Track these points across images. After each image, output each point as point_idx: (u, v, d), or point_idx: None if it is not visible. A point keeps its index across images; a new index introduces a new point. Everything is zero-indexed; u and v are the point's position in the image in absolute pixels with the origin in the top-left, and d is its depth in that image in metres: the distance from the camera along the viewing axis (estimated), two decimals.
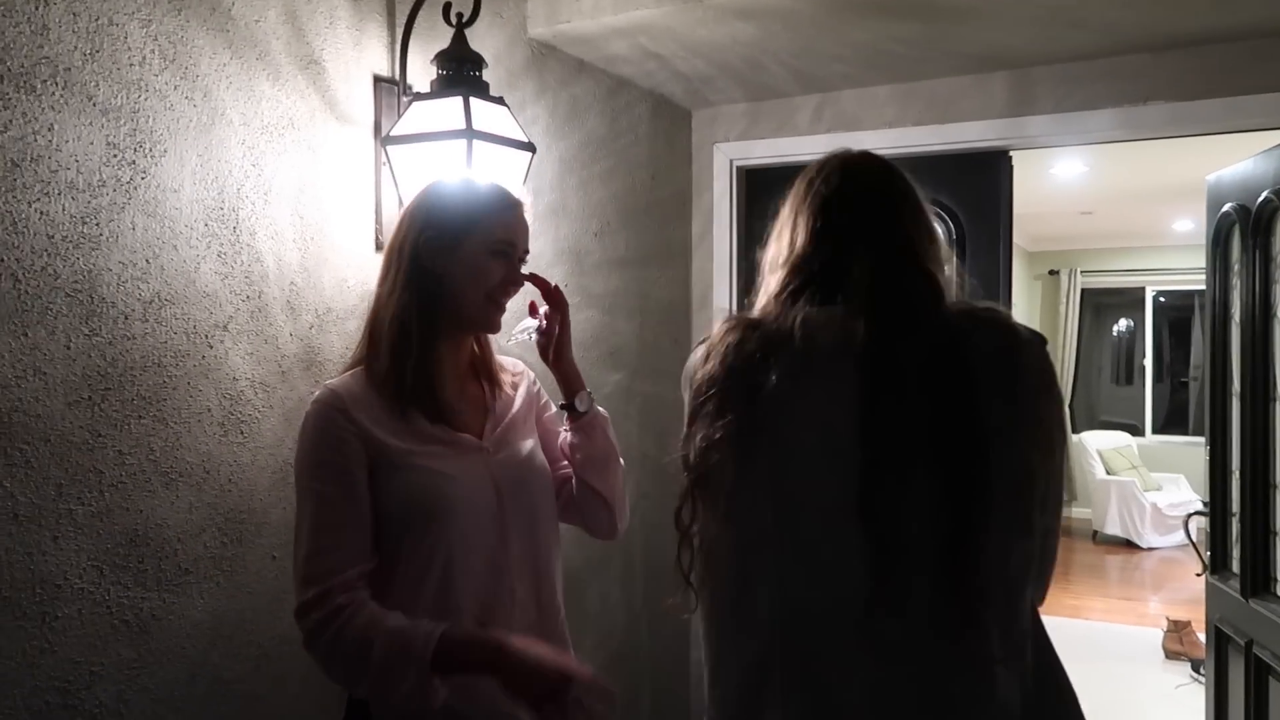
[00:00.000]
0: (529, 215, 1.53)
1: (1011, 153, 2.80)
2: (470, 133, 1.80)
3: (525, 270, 1.53)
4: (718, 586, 1.19)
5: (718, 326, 1.24)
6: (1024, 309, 8.56)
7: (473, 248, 1.45)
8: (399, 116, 1.94)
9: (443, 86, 1.90)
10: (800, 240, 1.25)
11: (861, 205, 1.23)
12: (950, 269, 1.25)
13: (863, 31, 2.40)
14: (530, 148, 1.95)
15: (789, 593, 1.13)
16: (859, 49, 2.53)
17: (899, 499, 1.08)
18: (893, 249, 1.19)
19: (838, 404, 1.13)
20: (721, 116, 3.10)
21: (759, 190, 3.13)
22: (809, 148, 2.98)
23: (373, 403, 1.40)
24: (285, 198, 1.77)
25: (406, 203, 1.53)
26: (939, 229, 1.28)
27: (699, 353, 1.25)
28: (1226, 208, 2.89)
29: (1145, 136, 2.62)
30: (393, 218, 1.95)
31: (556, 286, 1.63)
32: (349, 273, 1.89)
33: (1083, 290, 8.79)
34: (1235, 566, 2.85)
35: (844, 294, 1.17)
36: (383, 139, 1.92)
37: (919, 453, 1.09)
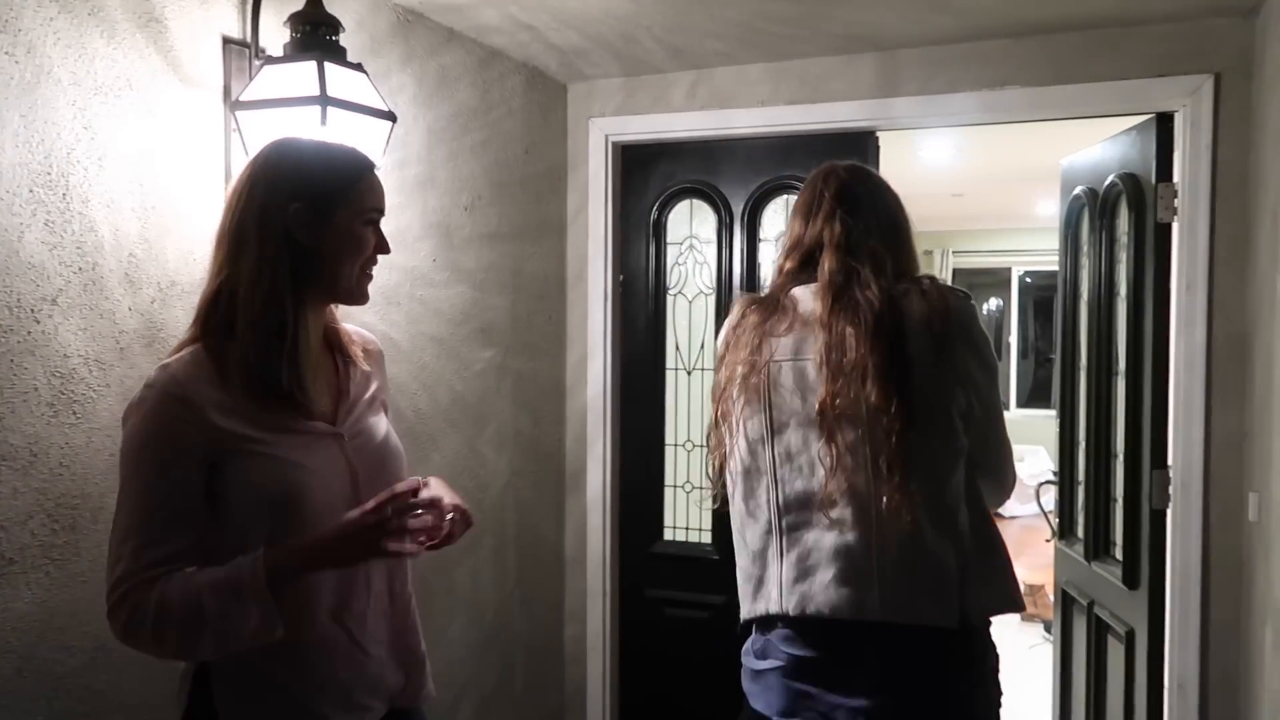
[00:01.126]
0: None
1: (879, 133, 2.85)
2: (325, 99, 1.73)
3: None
4: (736, 486, 1.65)
5: (737, 302, 1.72)
6: None
7: (347, 218, 1.38)
8: (250, 81, 1.85)
9: (296, 50, 1.82)
10: (796, 234, 1.69)
11: (834, 211, 1.65)
12: (913, 249, 1.71)
13: (735, 8, 2.40)
14: (390, 117, 1.89)
15: (781, 487, 1.58)
16: (732, 26, 2.54)
17: (845, 412, 1.52)
18: (848, 244, 1.62)
19: (808, 353, 1.57)
20: (597, 91, 3.07)
21: (635, 166, 3.11)
22: (685, 124, 2.98)
23: (216, 388, 1.30)
24: (123, 164, 1.67)
25: (251, 164, 1.40)
26: (904, 220, 1.71)
27: (732, 315, 1.70)
28: (1077, 191, 3.03)
29: (1002, 120, 2.71)
30: None
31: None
32: (196, 244, 1.80)
33: (955, 270, 9.11)
34: (1080, 532, 3.00)
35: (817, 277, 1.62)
36: (232, 104, 1.83)
37: (859, 381, 1.52)
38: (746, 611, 1.64)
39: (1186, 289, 2.51)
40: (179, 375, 1.30)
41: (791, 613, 1.54)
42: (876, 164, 2.87)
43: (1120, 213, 2.76)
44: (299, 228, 1.34)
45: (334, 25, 1.85)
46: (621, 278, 3.14)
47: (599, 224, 3.09)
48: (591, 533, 3.11)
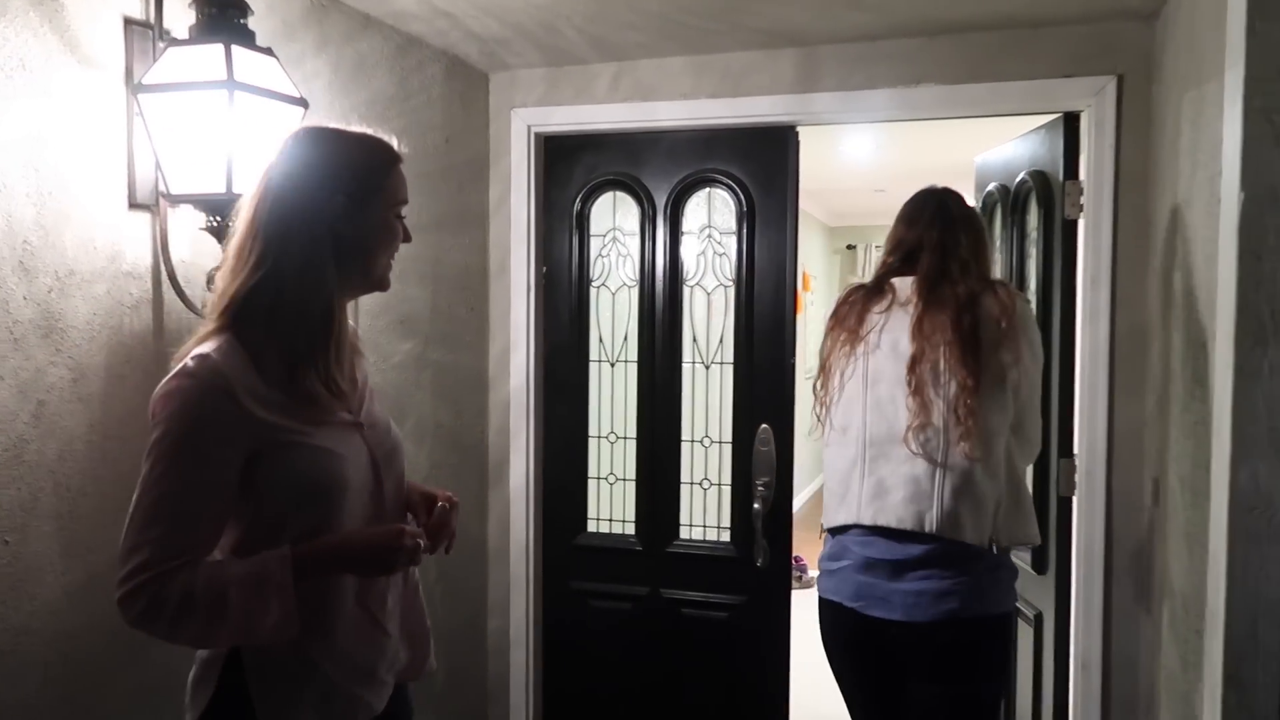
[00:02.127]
0: None
1: (799, 128, 2.89)
2: (232, 83, 1.69)
3: None
4: (834, 422, 2.12)
5: (847, 285, 2.25)
6: (824, 281, 8.96)
7: (383, 209, 1.43)
8: (154, 63, 1.79)
9: (202, 33, 1.77)
10: (899, 236, 2.17)
11: (933, 219, 2.14)
12: (990, 259, 2.21)
13: (655, 1, 2.41)
14: (302, 103, 1.85)
15: (870, 426, 2.04)
16: (652, 18, 2.54)
17: (928, 374, 1.98)
18: (942, 248, 2.09)
19: (901, 328, 2.05)
20: (519, 81, 3.05)
21: (558, 157, 3.10)
22: (608, 116, 2.98)
23: (254, 379, 1.32)
24: (15, 147, 1.60)
25: (287, 157, 1.41)
26: (986, 235, 2.22)
27: (839, 297, 2.20)
28: (990, 187, 3.11)
29: (919, 117, 2.77)
30: (147, 173, 1.82)
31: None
32: (96, 232, 1.74)
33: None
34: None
35: (916, 270, 2.09)
36: (134, 87, 1.77)
37: (940, 351, 1.98)
38: (829, 521, 2.11)
39: (1091, 284, 2.60)
40: (222, 366, 1.30)
41: (866, 522, 2.01)
42: (797, 158, 2.91)
43: (1030, 209, 2.85)
44: (343, 220, 1.37)
45: (242, 8, 1.80)
46: (545, 269, 3.12)
47: (522, 215, 3.07)
48: (515, 525, 3.10)
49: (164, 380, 1.31)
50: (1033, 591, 2.83)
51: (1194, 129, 2.01)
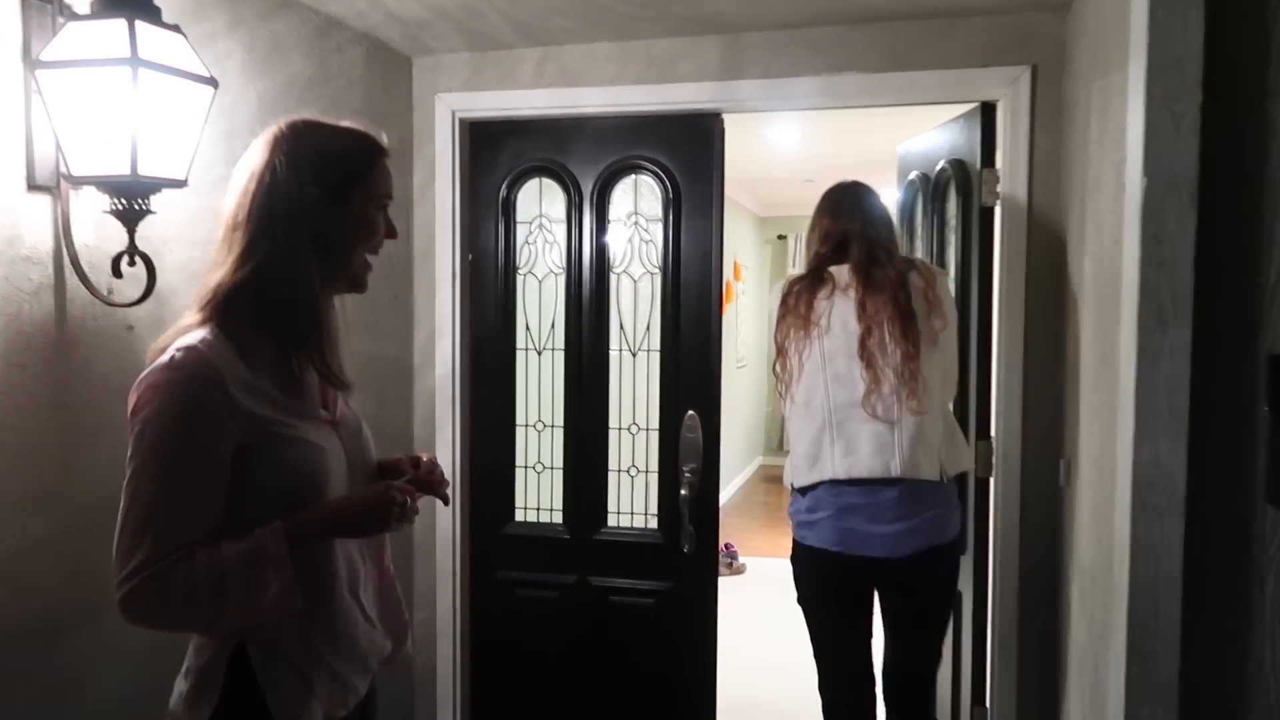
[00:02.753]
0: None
1: (724, 115, 2.90)
2: (136, 61, 1.63)
3: None
4: (796, 397, 2.43)
5: (785, 280, 2.51)
6: (755, 271, 9.04)
7: (361, 202, 1.42)
8: (52, 39, 1.72)
9: (104, 8, 1.69)
10: (826, 227, 2.48)
11: (853, 212, 2.47)
12: (900, 241, 2.66)
13: None
14: (212, 83, 1.80)
15: (831, 397, 2.37)
16: (577, 3, 2.53)
17: (876, 348, 2.33)
18: (867, 237, 2.42)
19: (847, 310, 2.37)
20: (443, 65, 3.01)
21: (483, 143, 3.07)
22: (533, 102, 2.95)
23: (242, 369, 1.32)
24: None
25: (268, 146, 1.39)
26: (892, 221, 2.54)
27: (780, 286, 2.50)
28: (912, 176, 3.16)
29: (841, 105, 2.80)
30: (48, 154, 1.75)
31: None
32: None
33: None
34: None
35: (848, 259, 2.42)
36: (32, 63, 1.70)
37: (884, 328, 2.33)
38: (801, 481, 2.41)
39: (1008, 270, 2.66)
40: (210, 356, 1.29)
41: (841, 476, 2.34)
42: (723, 146, 2.92)
43: (950, 197, 2.90)
44: (321, 213, 1.36)
45: None
46: (470, 257, 3.09)
47: (446, 202, 3.03)
48: (440, 516, 3.07)
49: (147, 373, 1.29)
50: None
51: (1101, 117, 2.07)
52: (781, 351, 2.45)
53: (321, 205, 1.36)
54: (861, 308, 2.35)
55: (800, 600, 2.54)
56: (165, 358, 1.29)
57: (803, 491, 2.42)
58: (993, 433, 2.74)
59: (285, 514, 1.33)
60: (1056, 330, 2.61)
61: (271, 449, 1.33)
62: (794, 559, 2.52)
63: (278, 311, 1.35)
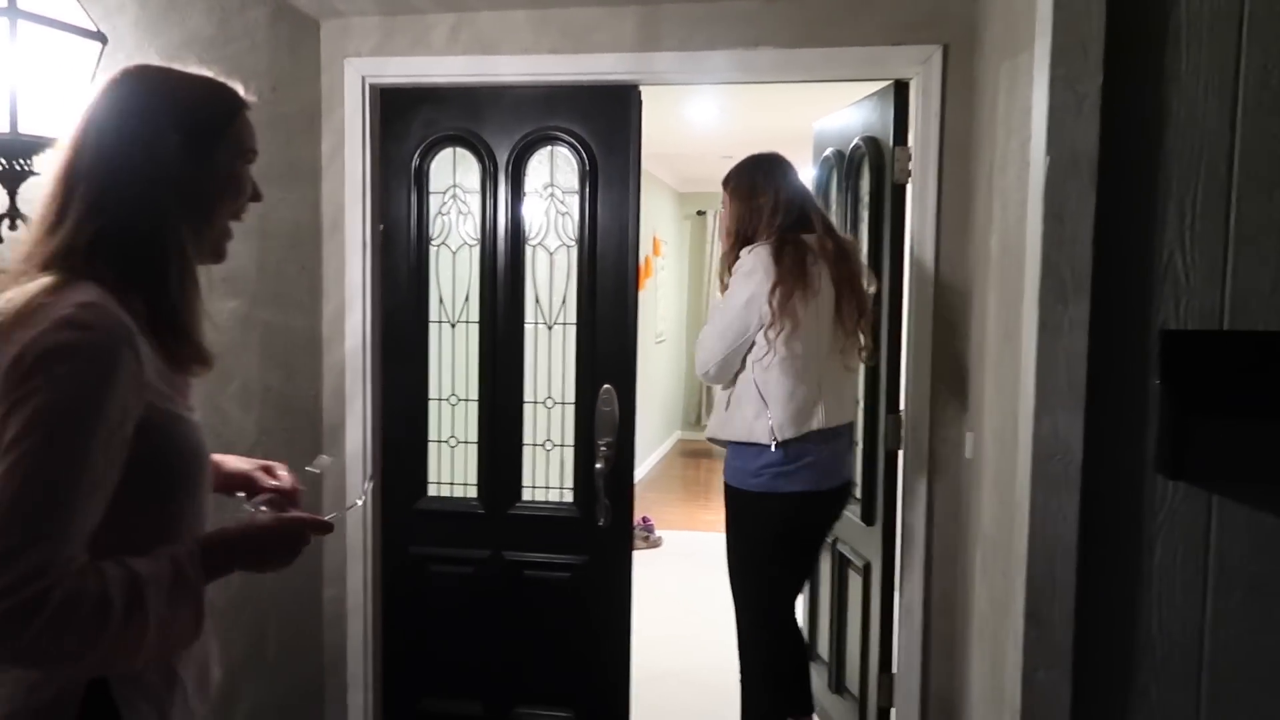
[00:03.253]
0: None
1: (642, 88, 2.88)
2: (14, 11, 1.54)
3: None
4: (791, 355, 2.52)
5: (762, 245, 2.56)
6: (675, 246, 9.05)
7: (226, 157, 1.26)
8: None
9: None
10: (785, 197, 2.60)
11: (798, 184, 2.66)
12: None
13: None
14: (100, 37, 1.71)
15: (822, 357, 2.57)
16: None
17: (847, 308, 2.59)
18: (817, 207, 2.68)
19: (825, 275, 2.55)
20: (353, 29, 2.91)
21: (395, 111, 2.99)
22: (447, 69, 2.89)
23: (138, 334, 1.12)
24: None
25: (111, 93, 1.20)
26: None
27: (761, 254, 2.55)
28: (827, 152, 3.19)
29: (757, 80, 2.80)
30: None
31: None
32: None
33: None
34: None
35: (811, 228, 2.60)
36: None
37: (849, 289, 2.59)
38: (790, 433, 2.53)
39: (918, 245, 2.71)
40: (122, 316, 1.10)
41: (830, 425, 2.57)
42: (639, 118, 2.90)
43: (864, 174, 2.94)
44: (179, 162, 1.19)
45: None
46: (382, 227, 3.02)
47: (356, 170, 2.95)
48: (351, 492, 3.01)
49: (41, 332, 1.04)
50: (862, 542, 2.96)
51: (1009, 97, 2.11)
52: (783, 312, 2.49)
53: (183, 156, 1.19)
54: (837, 271, 2.55)
55: (758, 555, 2.63)
56: (59, 314, 1.05)
57: (785, 445, 2.53)
58: (902, 406, 2.79)
59: (158, 528, 1.15)
60: (964, 305, 2.66)
61: (167, 429, 1.15)
62: (757, 513, 2.60)
63: (144, 275, 1.16)
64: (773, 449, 2.53)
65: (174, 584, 1.08)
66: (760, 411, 2.54)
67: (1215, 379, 1.60)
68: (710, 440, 2.73)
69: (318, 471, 1.47)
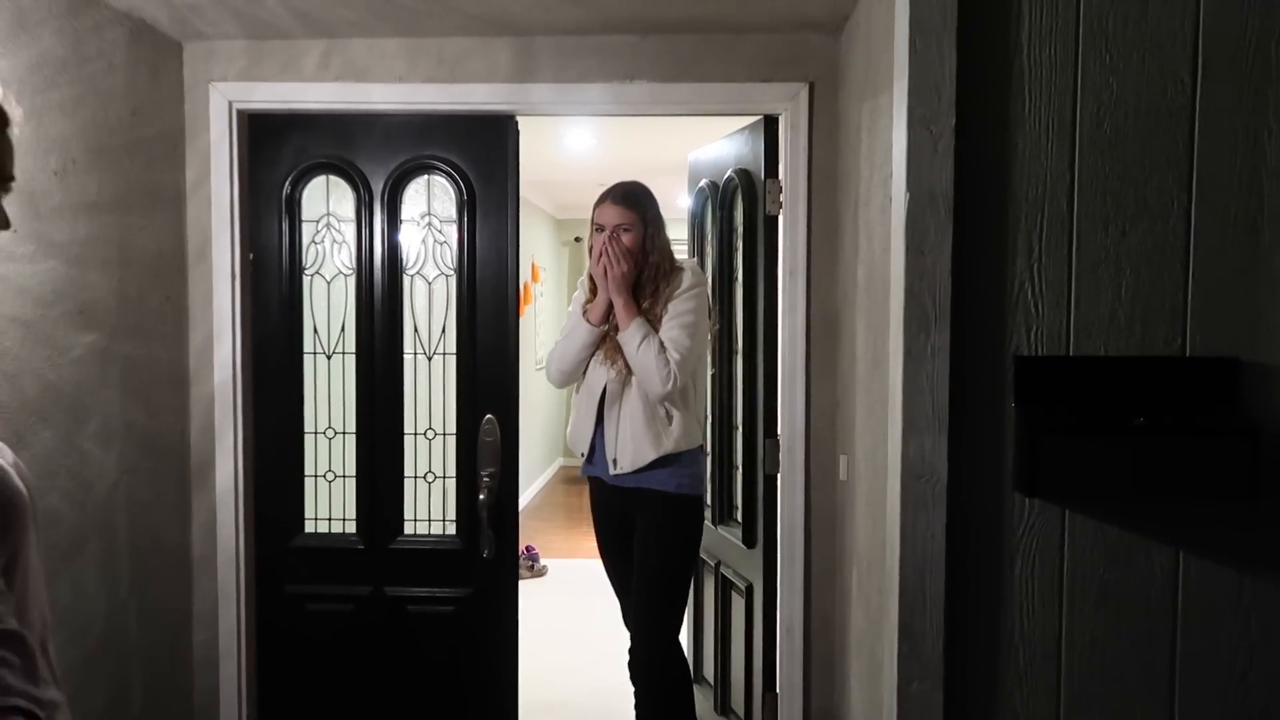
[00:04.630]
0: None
1: (518, 118, 2.89)
2: None
3: None
4: (698, 386, 2.78)
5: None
6: (553, 273, 9.06)
7: None
8: None
9: None
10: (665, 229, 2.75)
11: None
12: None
13: None
14: None
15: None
16: None
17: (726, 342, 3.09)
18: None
19: None
20: (218, 52, 2.83)
21: (264, 137, 2.91)
22: (317, 95, 2.84)
23: None
24: None
25: None
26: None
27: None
28: (702, 184, 3.27)
29: (631, 112, 2.85)
30: None
31: None
32: None
33: None
34: (709, 499, 3.26)
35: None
36: None
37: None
38: (695, 443, 2.67)
39: (790, 275, 2.80)
40: None
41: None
42: (517, 148, 2.91)
43: (737, 205, 3.02)
44: None
45: None
46: (252, 256, 2.92)
47: (224, 197, 2.85)
48: (222, 530, 2.89)
49: None
50: (743, 564, 3.02)
51: (871, 135, 2.21)
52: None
53: None
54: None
55: (692, 565, 2.73)
56: None
57: (697, 452, 2.70)
58: (779, 431, 2.87)
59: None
60: (835, 333, 2.76)
61: None
62: (699, 519, 2.72)
63: None
64: (692, 453, 2.67)
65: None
66: (694, 417, 2.67)
67: (1064, 401, 1.71)
68: (663, 457, 2.60)
69: None
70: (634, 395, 2.62)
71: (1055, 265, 1.71)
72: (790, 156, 2.77)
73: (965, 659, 1.79)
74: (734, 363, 3.07)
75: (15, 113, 1.12)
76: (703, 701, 3.26)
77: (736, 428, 3.08)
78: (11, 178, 1.11)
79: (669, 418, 2.62)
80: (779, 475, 2.88)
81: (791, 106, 2.74)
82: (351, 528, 3.00)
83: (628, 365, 2.60)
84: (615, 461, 2.65)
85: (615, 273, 2.59)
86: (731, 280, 3.07)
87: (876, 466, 2.11)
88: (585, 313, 2.69)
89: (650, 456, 2.60)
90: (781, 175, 2.81)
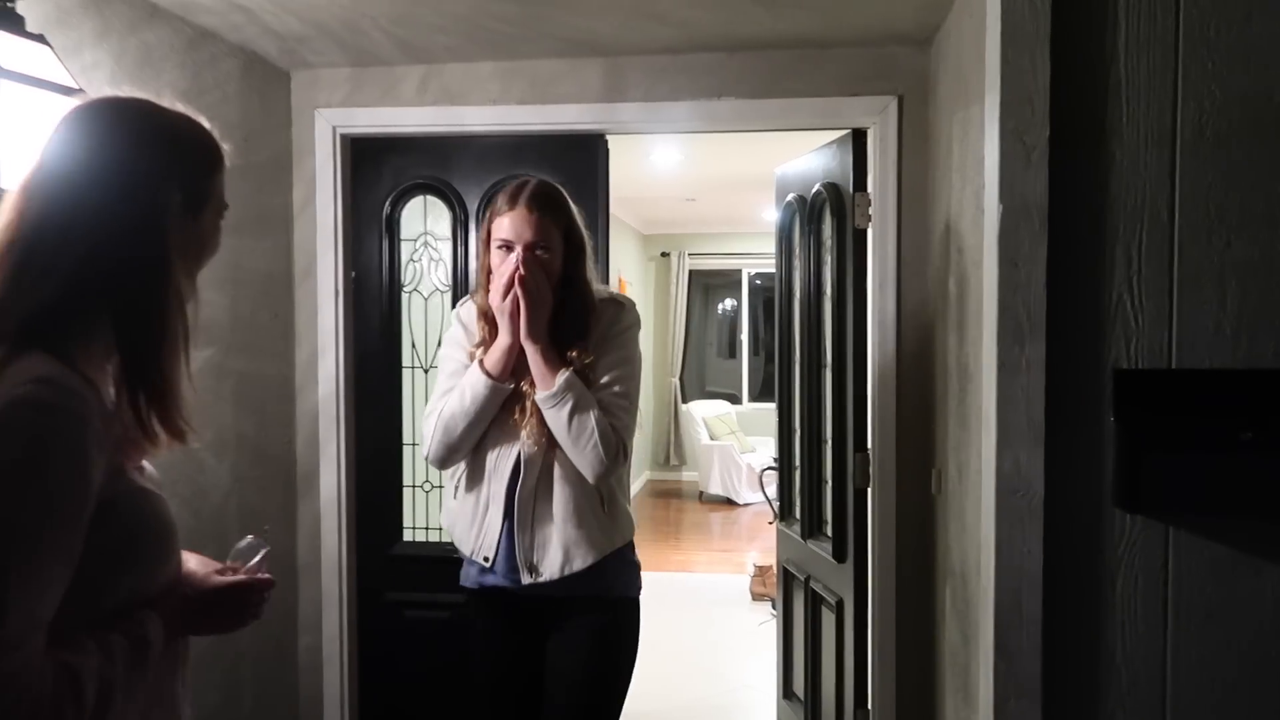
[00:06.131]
0: None
1: (608, 136, 2.95)
2: None
3: None
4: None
5: (627, 299, 2.07)
6: (640, 288, 9.14)
7: (212, 210, 1.15)
8: None
9: None
10: None
11: None
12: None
13: (461, 4, 2.40)
14: (80, 94, 1.73)
15: None
16: (459, 21, 2.53)
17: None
18: None
19: None
20: (322, 80, 2.96)
21: (365, 159, 3.03)
22: (415, 119, 2.94)
23: (101, 407, 1.03)
24: None
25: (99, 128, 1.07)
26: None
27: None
28: (789, 198, 3.27)
29: (720, 129, 2.88)
30: None
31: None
32: None
33: (691, 271, 9.56)
34: (798, 513, 3.25)
35: None
36: None
37: None
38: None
39: (879, 287, 2.78)
40: (82, 392, 0.99)
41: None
42: (607, 166, 2.97)
43: (825, 219, 3.02)
44: (176, 215, 1.07)
45: None
46: (354, 274, 3.04)
47: (328, 218, 2.98)
48: (326, 538, 3.00)
49: None
50: (834, 579, 3.00)
51: (962, 147, 2.19)
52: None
53: (180, 207, 1.07)
54: None
55: (630, 676, 2.10)
56: (14, 393, 0.95)
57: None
58: (869, 444, 2.85)
59: (120, 606, 1.06)
60: (926, 346, 2.74)
61: (132, 504, 1.06)
62: (638, 631, 2.08)
63: (135, 342, 1.06)
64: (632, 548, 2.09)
65: (138, 660, 1.04)
66: (627, 499, 2.09)
67: (1166, 415, 1.67)
68: (601, 559, 1.96)
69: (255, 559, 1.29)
70: (561, 475, 1.93)
71: (1156, 276, 1.68)
72: (880, 170, 2.76)
73: (1064, 678, 1.75)
74: (823, 376, 3.06)
75: (225, 148, 1.20)
76: (792, 719, 3.24)
77: (826, 441, 3.07)
78: (226, 205, 1.19)
79: (604, 502, 1.98)
80: (869, 489, 2.86)
81: (880, 120, 2.74)
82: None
83: (548, 435, 1.91)
84: (533, 569, 1.93)
85: (532, 314, 1.86)
86: (820, 293, 3.07)
87: (969, 481, 2.08)
88: (480, 362, 1.93)
89: (588, 559, 1.93)
90: (870, 188, 2.80)
